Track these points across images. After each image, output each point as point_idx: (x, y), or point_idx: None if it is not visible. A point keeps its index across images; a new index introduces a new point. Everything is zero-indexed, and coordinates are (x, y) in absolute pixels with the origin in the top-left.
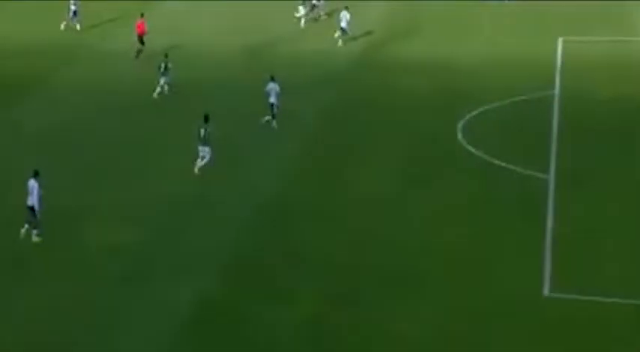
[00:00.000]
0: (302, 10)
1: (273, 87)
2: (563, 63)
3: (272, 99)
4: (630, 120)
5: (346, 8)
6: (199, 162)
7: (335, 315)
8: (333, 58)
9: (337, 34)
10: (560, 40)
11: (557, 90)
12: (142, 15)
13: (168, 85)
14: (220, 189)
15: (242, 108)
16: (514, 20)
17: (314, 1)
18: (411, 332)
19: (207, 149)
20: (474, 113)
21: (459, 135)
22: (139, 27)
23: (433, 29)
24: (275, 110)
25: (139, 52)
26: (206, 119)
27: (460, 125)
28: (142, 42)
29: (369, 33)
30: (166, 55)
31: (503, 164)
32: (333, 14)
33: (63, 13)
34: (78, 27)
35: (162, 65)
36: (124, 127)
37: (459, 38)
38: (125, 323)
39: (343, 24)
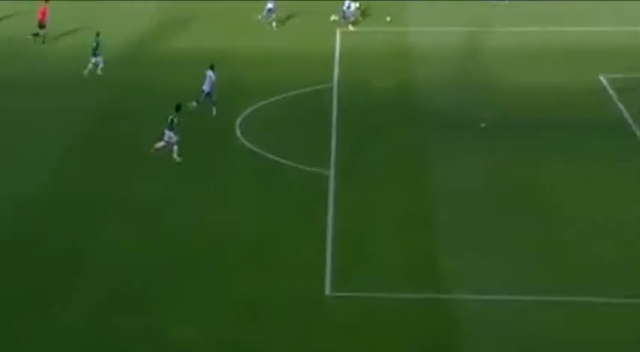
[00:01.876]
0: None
1: (209, 75)
2: (341, 54)
3: (204, 87)
4: (407, 110)
5: None
6: (159, 143)
7: (115, 320)
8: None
9: (336, 19)
10: (338, 32)
11: (335, 82)
12: (47, 0)
13: (100, 63)
14: None
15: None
16: (293, 14)
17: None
18: (193, 336)
19: (171, 134)
20: (253, 108)
21: (238, 132)
22: (41, 13)
23: (207, 25)
24: (202, 96)
25: (37, 35)
26: (177, 108)
27: (239, 121)
28: (41, 27)
29: (136, 29)
30: (97, 34)
31: (282, 160)
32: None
33: None
34: None
35: (94, 44)
36: None
37: (238, 33)
38: None
39: (344, 7)
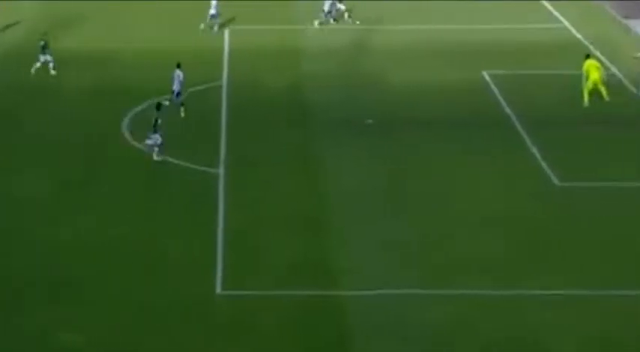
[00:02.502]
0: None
1: (177, 74)
2: (230, 53)
3: (174, 86)
4: (296, 108)
5: None
6: (155, 149)
7: None
8: None
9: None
10: (226, 31)
11: (225, 81)
12: None
13: (50, 62)
14: None
15: None
16: (177, 14)
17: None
18: (76, 342)
19: (151, 134)
20: (140, 108)
21: (125, 132)
22: None
23: (95, 25)
24: (174, 97)
25: None
26: (158, 107)
27: (126, 121)
28: None
29: (16, 28)
30: (45, 33)
31: (171, 160)
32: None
33: None
34: None
35: (43, 43)
36: None
37: (119, 33)
38: None
39: (326, 7)
